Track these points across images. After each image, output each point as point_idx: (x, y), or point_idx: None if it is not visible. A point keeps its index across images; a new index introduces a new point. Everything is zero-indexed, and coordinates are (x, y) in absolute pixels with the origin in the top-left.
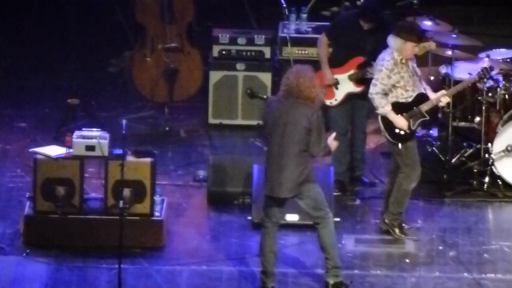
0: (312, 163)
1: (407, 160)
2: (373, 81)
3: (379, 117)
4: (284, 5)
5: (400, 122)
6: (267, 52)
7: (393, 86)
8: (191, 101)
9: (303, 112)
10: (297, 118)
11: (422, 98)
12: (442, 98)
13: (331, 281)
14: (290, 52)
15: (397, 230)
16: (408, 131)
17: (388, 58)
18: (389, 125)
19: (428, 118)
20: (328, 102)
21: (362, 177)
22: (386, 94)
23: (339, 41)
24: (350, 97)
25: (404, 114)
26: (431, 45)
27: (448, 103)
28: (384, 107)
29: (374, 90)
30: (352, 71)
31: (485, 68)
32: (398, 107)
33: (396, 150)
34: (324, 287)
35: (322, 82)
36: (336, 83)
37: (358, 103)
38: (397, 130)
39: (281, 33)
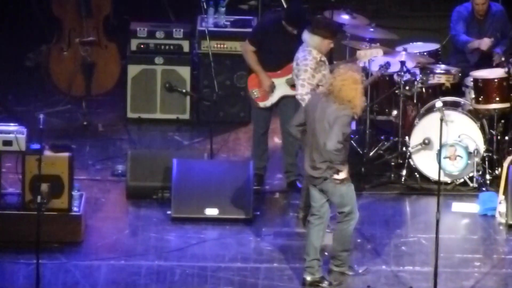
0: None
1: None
2: (300, 82)
3: None
4: None
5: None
6: (185, 45)
7: (316, 85)
8: (109, 95)
9: (339, 108)
10: (331, 113)
11: None
12: None
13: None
14: (209, 45)
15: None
16: None
17: (309, 57)
18: None
19: None
20: (261, 105)
21: (297, 182)
22: None
23: (264, 45)
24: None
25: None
26: (378, 52)
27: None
28: None
29: (303, 91)
30: (290, 75)
31: (382, 66)
32: None
33: None
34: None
35: (258, 85)
36: (273, 87)
37: (287, 104)
38: None
39: (199, 27)
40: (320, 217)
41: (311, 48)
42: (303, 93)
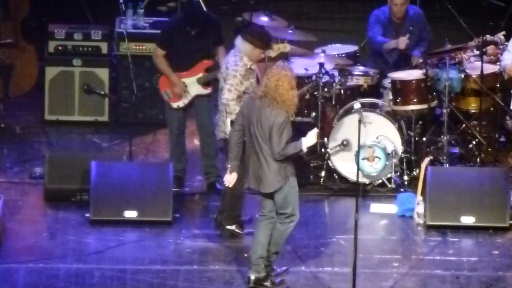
0: (289, 160)
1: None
2: (227, 86)
3: (228, 121)
4: (121, 1)
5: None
6: (104, 47)
7: (243, 92)
8: (27, 97)
9: (273, 113)
10: (266, 118)
11: None
12: None
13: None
14: (128, 47)
15: (238, 231)
16: None
17: (240, 63)
18: None
19: None
20: (175, 105)
21: (216, 184)
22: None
23: (172, 47)
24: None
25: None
26: (285, 47)
27: None
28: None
29: (230, 96)
30: (200, 74)
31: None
32: None
33: None
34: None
35: (170, 86)
36: (185, 88)
37: (201, 105)
38: None
39: (118, 29)
40: (270, 217)
41: (242, 55)
42: (229, 98)
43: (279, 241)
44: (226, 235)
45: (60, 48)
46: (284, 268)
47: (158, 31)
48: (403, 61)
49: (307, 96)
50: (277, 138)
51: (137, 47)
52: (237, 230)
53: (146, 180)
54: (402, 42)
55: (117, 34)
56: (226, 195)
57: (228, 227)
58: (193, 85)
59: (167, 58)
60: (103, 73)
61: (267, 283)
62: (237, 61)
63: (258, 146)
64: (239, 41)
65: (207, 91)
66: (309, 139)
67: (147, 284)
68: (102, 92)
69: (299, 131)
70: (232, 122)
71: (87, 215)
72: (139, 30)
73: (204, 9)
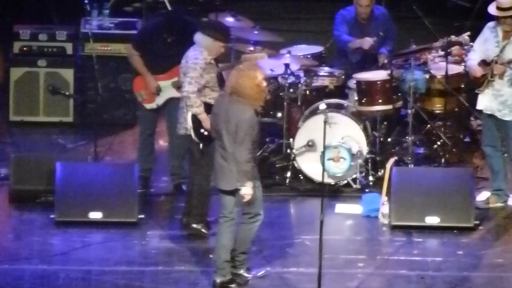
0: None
1: (206, 161)
2: (188, 79)
3: (189, 115)
4: (86, 1)
5: (209, 123)
6: (69, 48)
7: (203, 86)
8: None
9: (238, 110)
10: (234, 114)
11: None
12: None
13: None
14: (93, 48)
15: (204, 230)
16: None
17: (200, 56)
18: (197, 124)
19: None
20: (148, 107)
21: (183, 185)
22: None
23: (149, 49)
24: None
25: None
26: (263, 57)
27: None
28: (198, 107)
29: (190, 89)
30: (176, 78)
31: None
32: (205, 108)
33: (197, 149)
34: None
35: (144, 87)
36: (159, 90)
37: (174, 106)
38: (202, 130)
39: (83, 29)
40: (231, 219)
41: (203, 49)
42: (189, 90)
43: (245, 241)
44: (192, 233)
45: (25, 48)
46: (264, 270)
47: (124, 32)
48: (368, 61)
49: (268, 97)
50: (244, 137)
51: (102, 48)
52: (203, 230)
53: (111, 181)
54: (367, 42)
55: (82, 34)
56: (193, 193)
57: (195, 225)
58: (167, 88)
59: (143, 60)
60: (68, 74)
61: (233, 285)
62: (197, 55)
63: (222, 142)
64: (198, 36)
65: (181, 94)
66: (246, 193)
67: (113, 285)
68: (67, 93)
69: (266, 131)
70: (193, 116)
71: (52, 216)
72: (104, 30)
73: (169, 7)
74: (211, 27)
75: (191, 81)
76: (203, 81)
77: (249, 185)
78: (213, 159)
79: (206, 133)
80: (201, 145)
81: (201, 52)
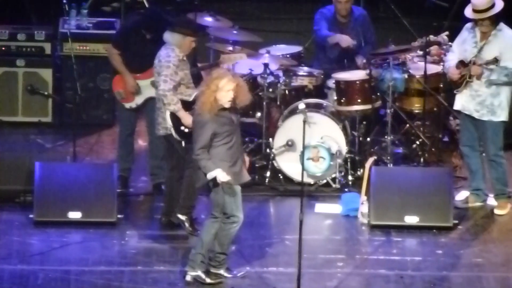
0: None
1: (191, 157)
2: (162, 78)
3: (168, 114)
4: (65, 1)
5: (189, 120)
6: (47, 48)
7: (178, 83)
8: None
9: (197, 111)
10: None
11: None
12: None
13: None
14: (71, 48)
15: (187, 225)
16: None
17: (172, 54)
18: (176, 122)
19: None
20: (127, 106)
21: (161, 185)
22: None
23: (128, 48)
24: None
25: (189, 112)
26: (242, 57)
27: None
28: (176, 104)
29: (166, 87)
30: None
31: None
32: (182, 105)
33: (180, 147)
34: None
35: (123, 86)
36: (137, 89)
37: (152, 106)
38: (182, 128)
39: (61, 29)
40: (216, 217)
41: (174, 47)
42: (165, 88)
43: (224, 241)
44: (174, 222)
45: (3, 48)
46: (244, 271)
47: (102, 31)
48: (346, 58)
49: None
50: (196, 136)
51: (81, 48)
52: (186, 224)
53: (90, 181)
54: (345, 40)
55: (61, 34)
56: (183, 184)
57: (180, 216)
58: (147, 87)
59: (123, 59)
60: (47, 74)
61: (205, 280)
62: (169, 53)
63: None
64: (168, 35)
65: None
66: (219, 175)
67: (92, 285)
68: (46, 93)
69: (245, 131)
70: (172, 114)
71: (31, 216)
72: (82, 30)
73: (146, 5)
74: (179, 23)
75: (166, 79)
76: (178, 78)
77: (213, 173)
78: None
79: (186, 130)
80: (183, 143)
81: (172, 50)
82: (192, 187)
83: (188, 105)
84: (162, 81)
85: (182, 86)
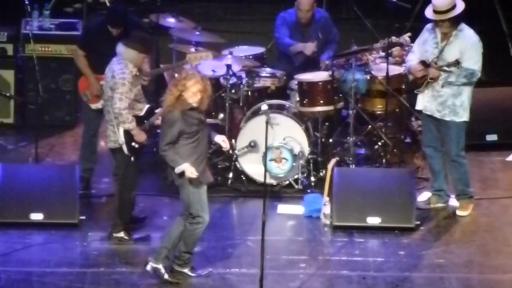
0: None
1: (130, 172)
2: (118, 95)
3: (121, 131)
4: (27, 2)
5: (142, 136)
6: (9, 49)
7: (133, 99)
8: None
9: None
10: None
11: (151, 111)
12: None
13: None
14: (33, 49)
15: (125, 237)
16: (143, 144)
17: (126, 70)
18: (129, 139)
19: (159, 131)
20: (93, 107)
21: None
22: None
23: (93, 49)
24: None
25: (139, 128)
26: (208, 56)
27: None
28: (131, 123)
29: (122, 105)
30: None
31: None
32: (135, 121)
33: (124, 163)
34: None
35: (88, 87)
36: (102, 92)
37: None
38: (133, 144)
39: (24, 30)
40: (185, 215)
41: (127, 62)
42: (121, 107)
43: (188, 240)
44: (115, 243)
45: None
46: (208, 271)
47: (65, 32)
48: (310, 64)
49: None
50: (163, 132)
51: (43, 49)
52: (125, 237)
53: (52, 182)
54: (309, 48)
55: (23, 35)
56: (114, 203)
57: (116, 234)
58: None
59: (89, 60)
60: (9, 75)
61: (164, 275)
62: (123, 68)
63: None
64: (121, 49)
65: None
66: (187, 169)
67: (54, 286)
68: (8, 94)
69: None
70: (125, 131)
71: None
72: (45, 31)
73: (108, 4)
74: (135, 39)
75: (121, 97)
76: (132, 95)
77: (181, 167)
78: (137, 171)
79: (137, 146)
80: (132, 158)
81: (126, 65)
82: (123, 205)
83: (140, 120)
84: (117, 99)
85: (134, 101)
